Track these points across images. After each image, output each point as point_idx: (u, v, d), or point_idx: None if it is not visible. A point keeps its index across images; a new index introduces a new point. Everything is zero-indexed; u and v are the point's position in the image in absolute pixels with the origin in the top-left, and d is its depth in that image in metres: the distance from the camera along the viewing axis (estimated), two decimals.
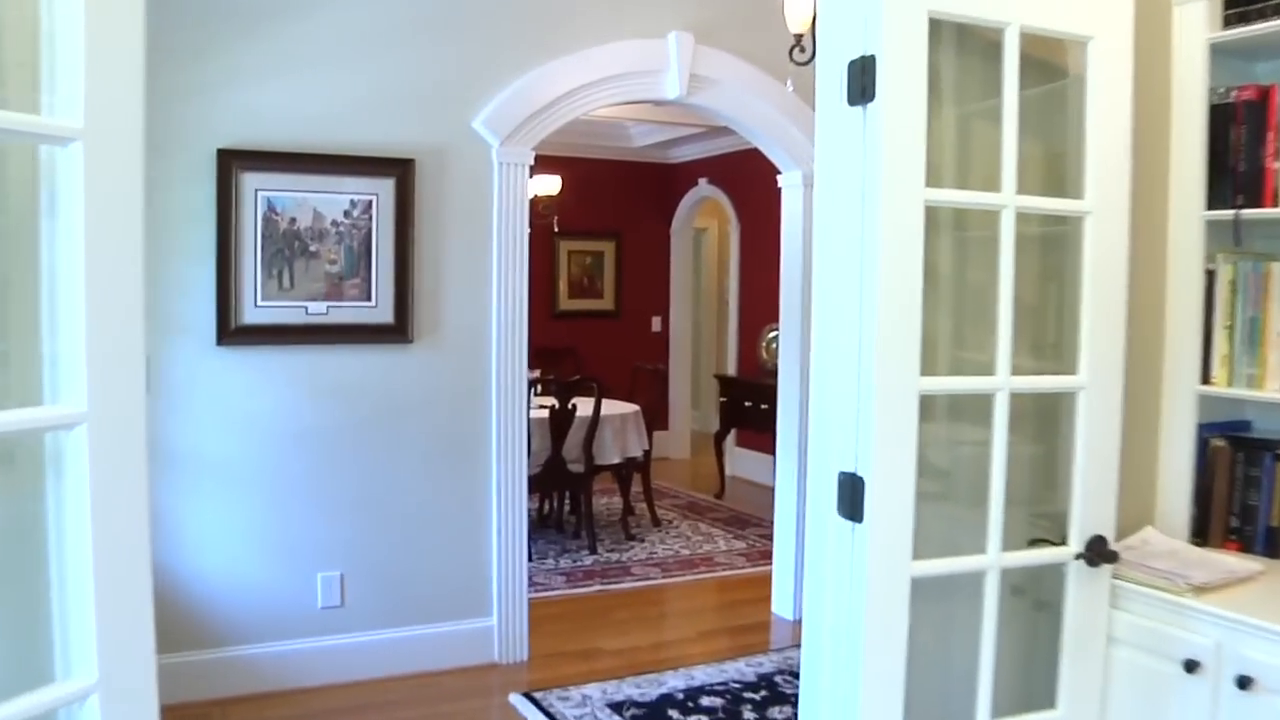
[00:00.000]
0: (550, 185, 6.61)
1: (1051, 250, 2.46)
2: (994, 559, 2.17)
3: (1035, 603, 2.51)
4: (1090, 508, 2.28)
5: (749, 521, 6.99)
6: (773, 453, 8.17)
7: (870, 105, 2.01)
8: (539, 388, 6.23)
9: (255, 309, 3.84)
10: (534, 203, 6.77)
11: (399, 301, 4.03)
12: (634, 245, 9.35)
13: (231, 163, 3.76)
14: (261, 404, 3.88)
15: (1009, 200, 2.12)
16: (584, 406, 6.01)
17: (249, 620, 3.92)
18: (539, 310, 8.99)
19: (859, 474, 2.10)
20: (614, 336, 9.27)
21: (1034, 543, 2.36)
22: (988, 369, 2.20)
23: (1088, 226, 2.22)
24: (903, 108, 2.01)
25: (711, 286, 11.03)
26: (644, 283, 9.41)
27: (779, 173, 4.94)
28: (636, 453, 6.42)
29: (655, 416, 6.87)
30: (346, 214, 3.95)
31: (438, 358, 4.13)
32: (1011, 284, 2.14)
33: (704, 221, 10.42)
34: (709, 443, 9.83)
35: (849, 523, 2.12)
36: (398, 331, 4.04)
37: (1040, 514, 2.49)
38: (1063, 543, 2.28)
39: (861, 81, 2.02)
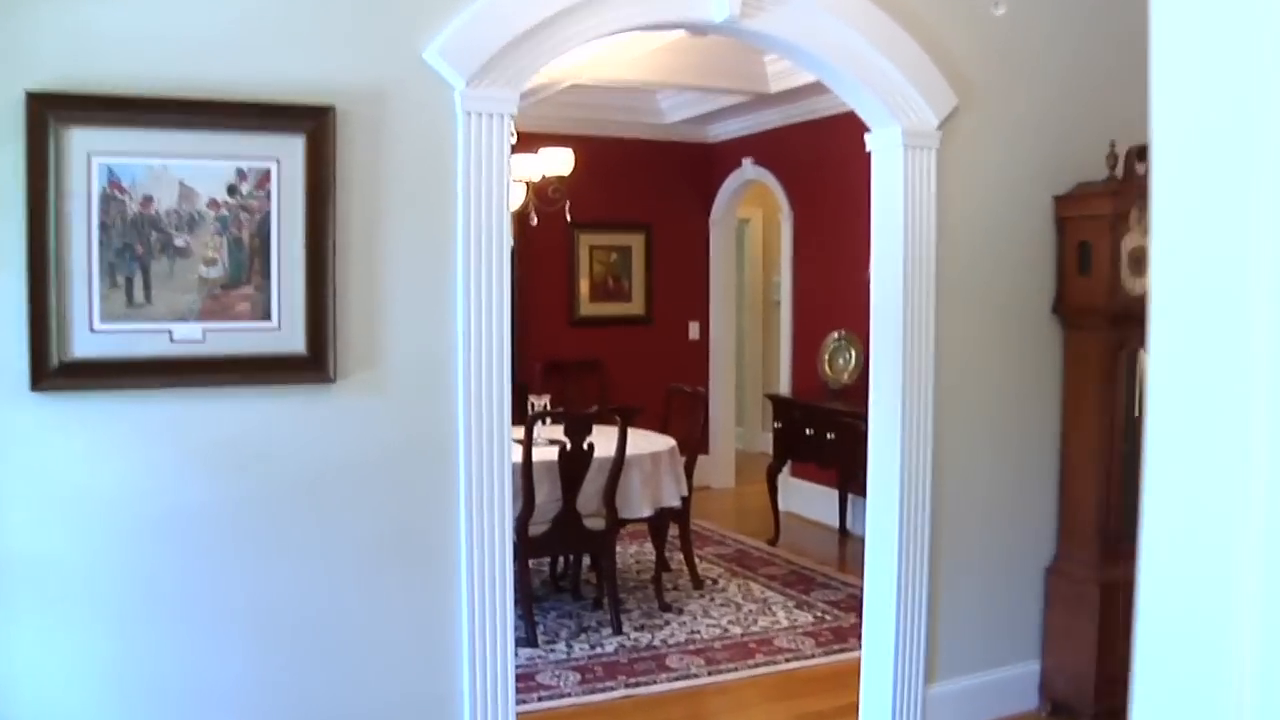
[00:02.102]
0: (560, 162, 5.28)
1: None
2: None
3: None
4: None
5: (813, 580, 5.60)
6: (836, 486, 6.84)
7: None
8: (547, 420, 4.89)
9: (91, 335, 2.53)
10: (541, 185, 5.43)
11: (314, 321, 2.70)
12: (667, 239, 7.98)
13: (48, 113, 2.45)
14: (103, 477, 2.57)
15: None
16: (604, 443, 4.67)
17: None
18: (555, 317, 7.70)
19: None
20: (644, 346, 7.92)
21: None
22: None
23: None
24: None
25: (756, 287, 9.64)
26: (679, 283, 8.04)
27: (866, 131, 3.56)
28: (673, 501, 5.06)
29: (695, 445, 5.50)
30: (232, 191, 2.62)
31: (375, 404, 2.80)
32: None
33: (747, 211, 9.04)
34: (754, 466, 8.49)
35: None
36: (313, 366, 2.71)
37: None
38: None
39: None
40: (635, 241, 7.93)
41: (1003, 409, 3.74)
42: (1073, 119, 3.74)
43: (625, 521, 4.95)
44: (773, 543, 6.39)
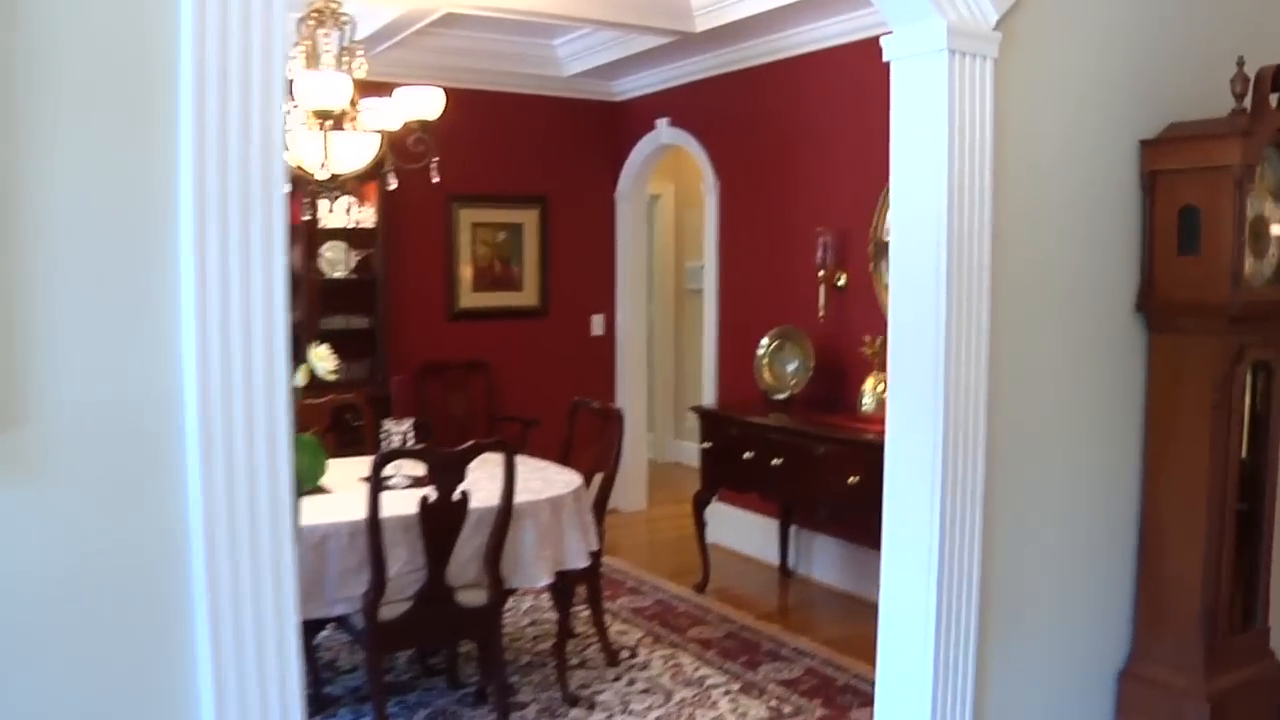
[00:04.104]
0: (426, 104, 3.91)
1: None
2: None
3: None
4: None
5: (758, 647, 4.39)
6: (776, 516, 5.58)
7: None
8: (403, 458, 3.54)
9: None
10: (400, 135, 4.07)
11: None
12: (565, 216, 6.68)
13: None
14: None
15: None
16: (486, 483, 3.37)
17: None
18: (430, 311, 6.27)
19: None
20: (539, 344, 6.61)
21: None
22: None
23: None
24: None
25: (667, 274, 8.43)
26: (580, 269, 6.75)
27: (886, 33, 2.34)
28: (579, 561, 3.77)
29: (608, 476, 4.27)
30: None
31: (19, 496, 1.45)
32: None
33: (657, 185, 7.80)
34: (667, 481, 7.36)
35: None
36: None
37: None
38: None
39: None
40: (527, 219, 6.59)
41: (1066, 446, 2.58)
42: (1175, 31, 2.59)
43: (513, 592, 3.67)
44: (700, 589, 5.17)
